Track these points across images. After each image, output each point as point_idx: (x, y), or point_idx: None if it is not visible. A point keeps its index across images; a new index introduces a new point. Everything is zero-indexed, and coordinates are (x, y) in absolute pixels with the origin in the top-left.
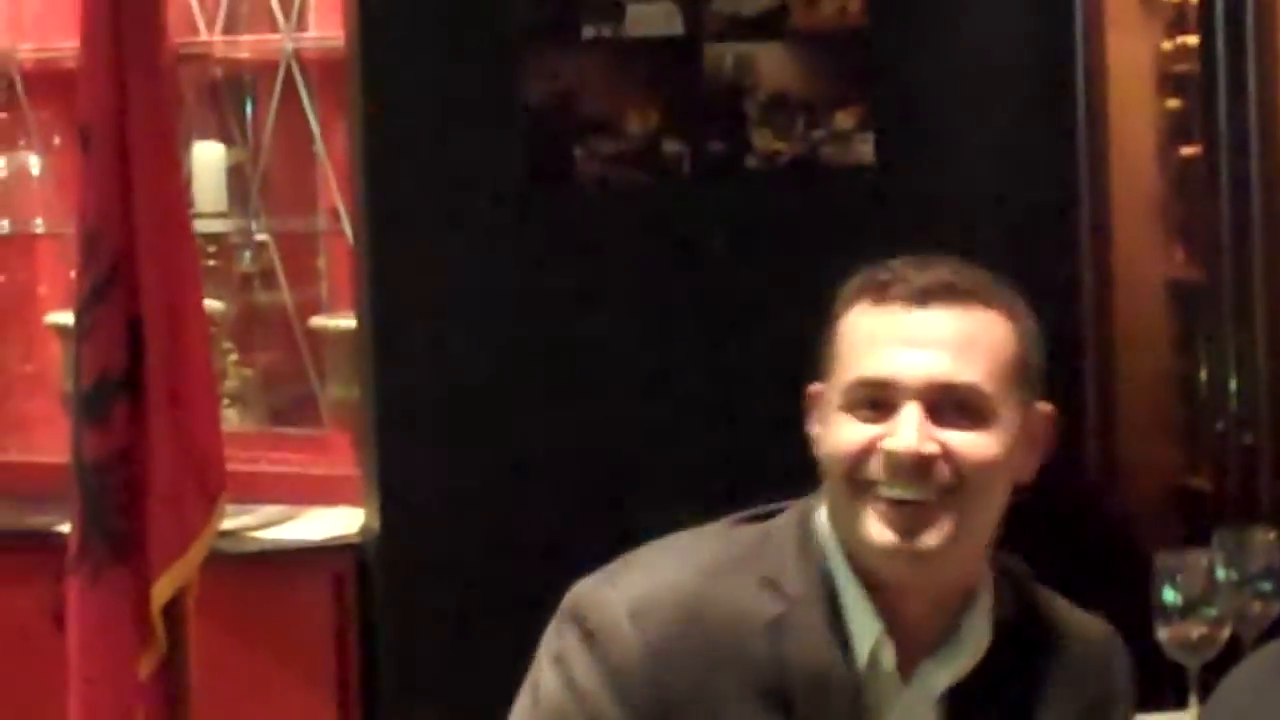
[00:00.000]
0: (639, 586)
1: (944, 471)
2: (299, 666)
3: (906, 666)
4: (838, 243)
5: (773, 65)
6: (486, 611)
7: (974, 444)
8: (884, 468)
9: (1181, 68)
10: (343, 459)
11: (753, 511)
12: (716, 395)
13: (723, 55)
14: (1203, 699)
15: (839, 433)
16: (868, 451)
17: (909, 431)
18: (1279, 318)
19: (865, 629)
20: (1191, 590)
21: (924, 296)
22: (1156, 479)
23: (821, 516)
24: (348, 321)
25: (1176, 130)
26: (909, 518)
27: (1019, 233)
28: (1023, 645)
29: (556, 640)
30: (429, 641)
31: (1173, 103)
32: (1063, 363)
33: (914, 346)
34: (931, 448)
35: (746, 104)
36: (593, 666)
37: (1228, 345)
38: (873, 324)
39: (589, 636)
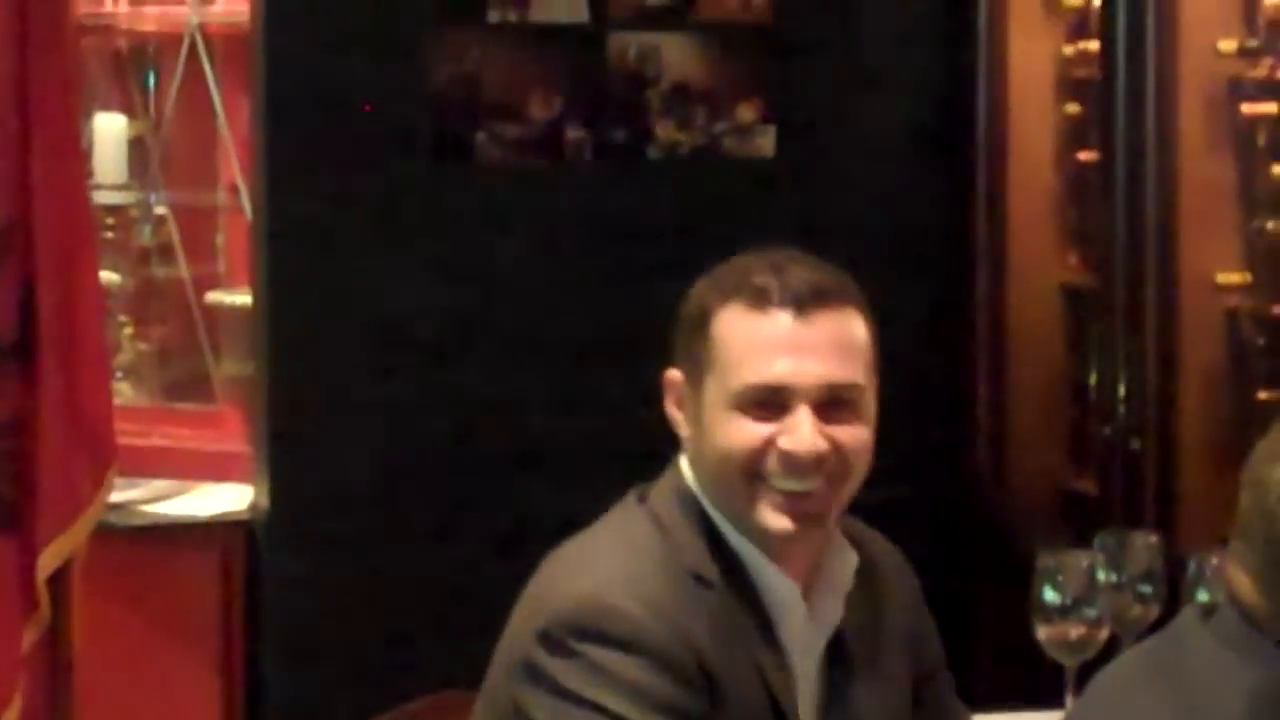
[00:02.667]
0: (619, 580)
1: (832, 463)
2: (184, 641)
3: (806, 597)
4: (735, 233)
5: (676, 56)
6: (372, 589)
7: (856, 436)
8: (781, 465)
9: (1082, 73)
10: (234, 435)
11: (636, 493)
12: (611, 377)
13: (627, 44)
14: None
15: (732, 432)
16: (763, 450)
17: (806, 434)
18: (1169, 325)
19: (785, 593)
20: (1071, 591)
21: (804, 303)
22: (1044, 481)
23: (703, 499)
24: (244, 298)
25: (1075, 135)
26: (801, 504)
27: (915, 231)
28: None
29: (581, 664)
30: (314, 618)
31: (1072, 108)
32: (954, 363)
33: (802, 353)
34: (824, 446)
35: (649, 94)
36: (637, 660)
37: (1118, 351)
38: (758, 330)
39: (614, 639)
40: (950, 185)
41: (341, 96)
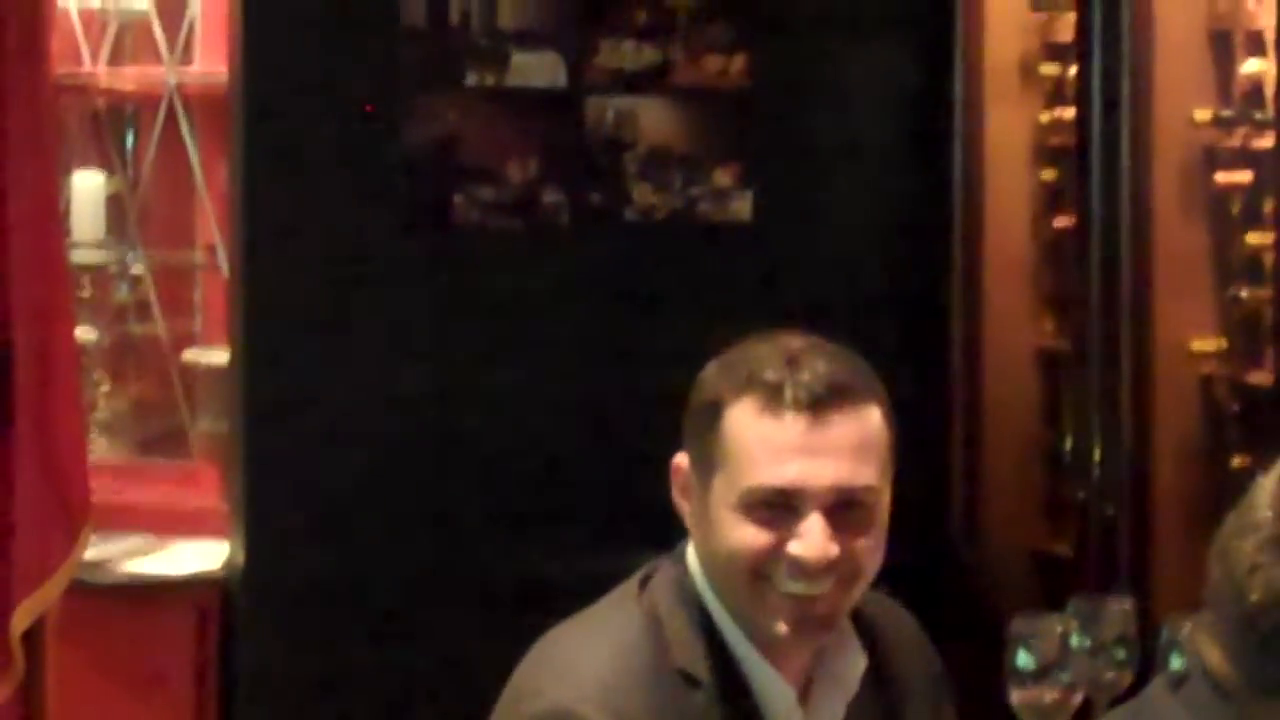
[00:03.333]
0: (596, 685)
1: (842, 567)
2: (159, 698)
3: (805, 703)
4: (713, 298)
5: (653, 120)
6: (349, 646)
7: (865, 543)
8: (788, 571)
9: (1057, 140)
10: (210, 492)
11: (641, 575)
12: (587, 440)
13: (604, 108)
14: None
15: (738, 535)
16: (770, 554)
17: (816, 540)
18: (1144, 391)
19: (779, 698)
20: (1045, 655)
21: (820, 403)
22: (1018, 545)
23: (705, 592)
24: (221, 356)
25: (1051, 201)
26: (808, 609)
27: (891, 297)
28: (871, 647)
29: None
30: (289, 676)
31: (1048, 174)
32: (929, 427)
33: (817, 457)
34: (835, 552)
35: (626, 158)
36: None
37: (1092, 415)
38: (770, 432)
39: None
40: (925, 251)
41: (318, 158)
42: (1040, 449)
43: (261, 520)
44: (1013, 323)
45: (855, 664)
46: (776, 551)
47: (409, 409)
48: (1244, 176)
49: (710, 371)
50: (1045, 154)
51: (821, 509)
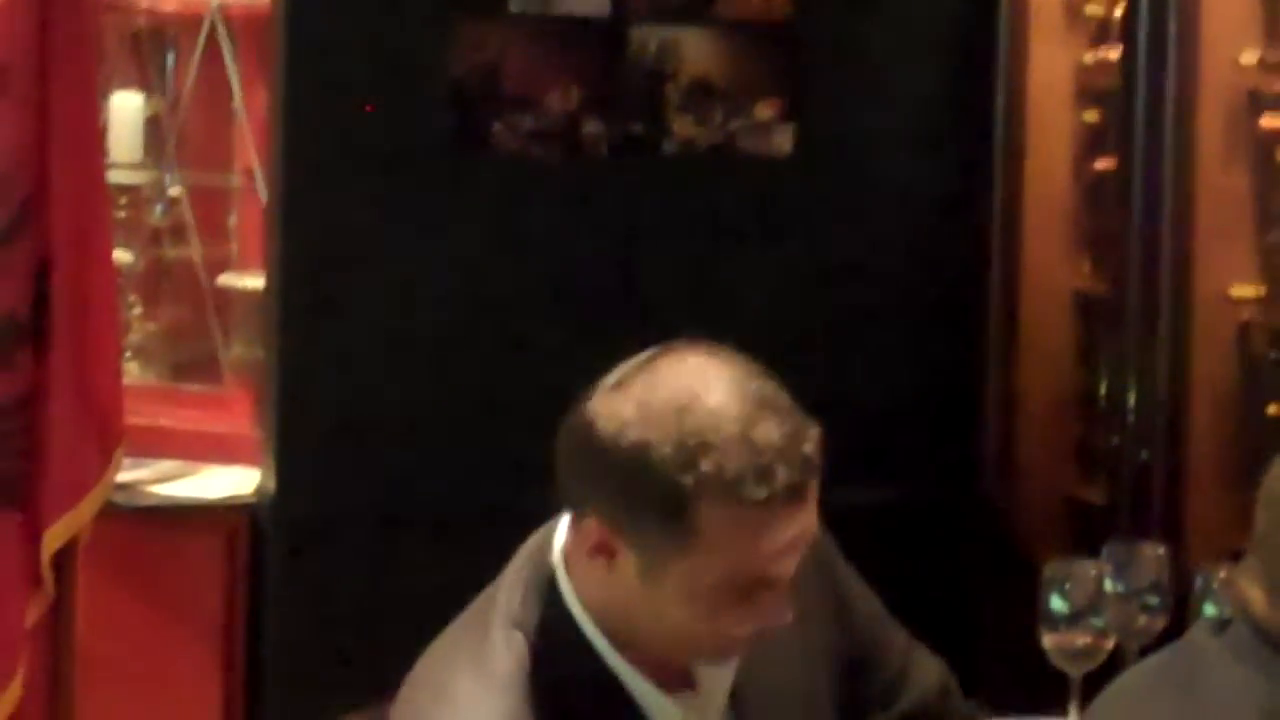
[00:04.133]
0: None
1: None
2: (187, 623)
3: (690, 683)
4: (751, 231)
5: (696, 51)
6: (376, 576)
7: None
8: (752, 634)
9: (1101, 81)
10: (242, 418)
11: (499, 612)
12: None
13: (647, 38)
14: (1083, 708)
15: (706, 618)
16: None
17: (786, 611)
18: (1182, 337)
19: (661, 709)
20: (1078, 600)
21: (800, 487)
22: (1052, 489)
23: (579, 611)
24: (256, 281)
25: (1093, 143)
26: (741, 645)
27: (928, 234)
28: None
29: None
30: (318, 602)
31: (1090, 115)
32: (964, 368)
33: (797, 544)
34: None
35: (668, 89)
36: None
37: (1129, 360)
38: (760, 528)
39: None
40: (966, 189)
41: (359, 83)
42: (1076, 392)
43: (293, 447)
44: (1051, 265)
45: None
46: (742, 619)
47: (445, 339)
48: None
49: (648, 437)
50: (1089, 95)
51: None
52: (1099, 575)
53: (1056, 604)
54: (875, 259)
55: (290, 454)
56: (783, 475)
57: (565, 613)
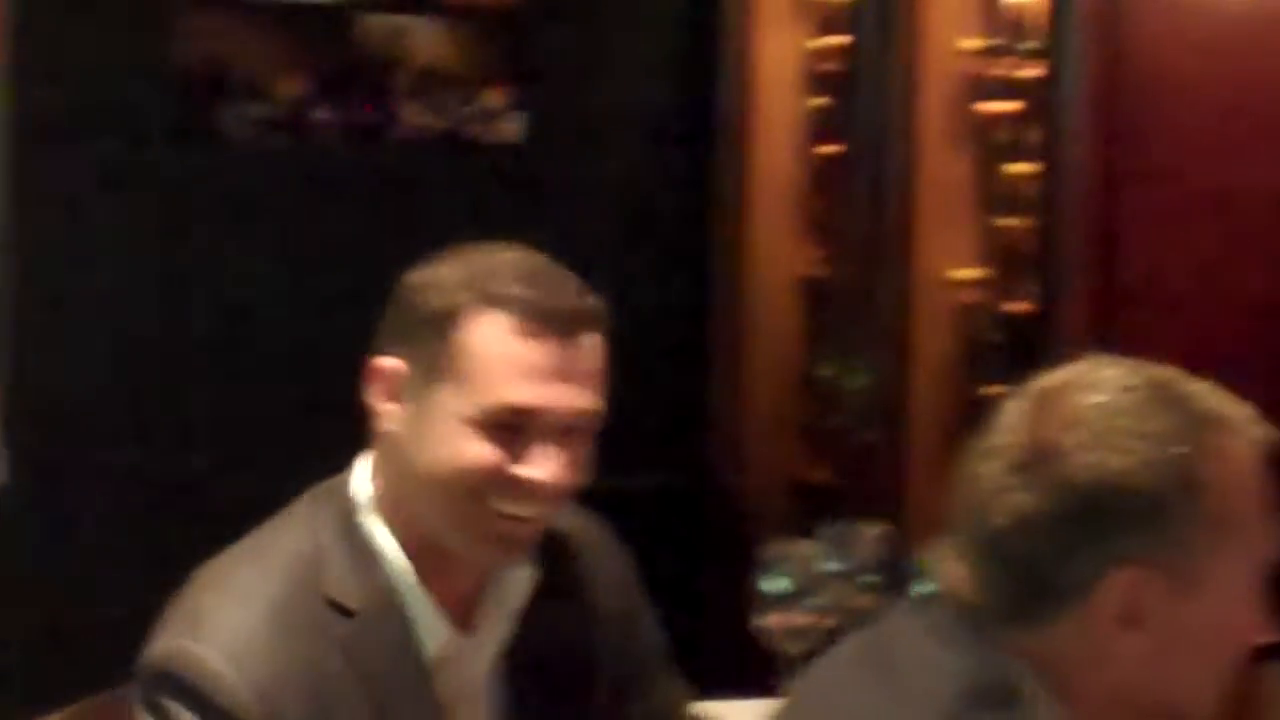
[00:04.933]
0: (222, 633)
1: (562, 490)
2: None
3: (468, 625)
4: (481, 218)
5: (425, 39)
6: (116, 564)
7: (584, 464)
8: (514, 492)
9: (827, 67)
10: None
11: (288, 512)
12: (352, 355)
13: (376, 26)
14: None
15: (469, 449)
16: (496, 472)
17: (553, 466)
18: (904, 319)
19: (435, 633)
20: (796, 580)
21: (571, 327)
22: (780, 471)
23: (369, 515)
24: None
25: (818, 128)
26: (521, 530)
27: (656, 220)
28: (548, 556)
29: (155, 713)
30: (57, 590)
31: (816, 101)
32: (691, 352)
33: (566, 381)
34: (568, 479)
35: (397, 76)
36: (206, 717)
37: (853, 344)
38: (523, 351)
39: (196, 696)
40: (693, 176)
41: (86, 71)
42: (802, 375)
43: (24, 441)
44: (777, 250)
45: (521, 582)
46: (502, 471)
47: (176, 329)
48: (1007, 106)
49: (438, 276)
50: (814, 80)
51: (557, 431)
52: (815, 556)
53: (774, 584)
54: (604, 246)
55: (26, 439)
56: (558, 310)
57: (356, 522)
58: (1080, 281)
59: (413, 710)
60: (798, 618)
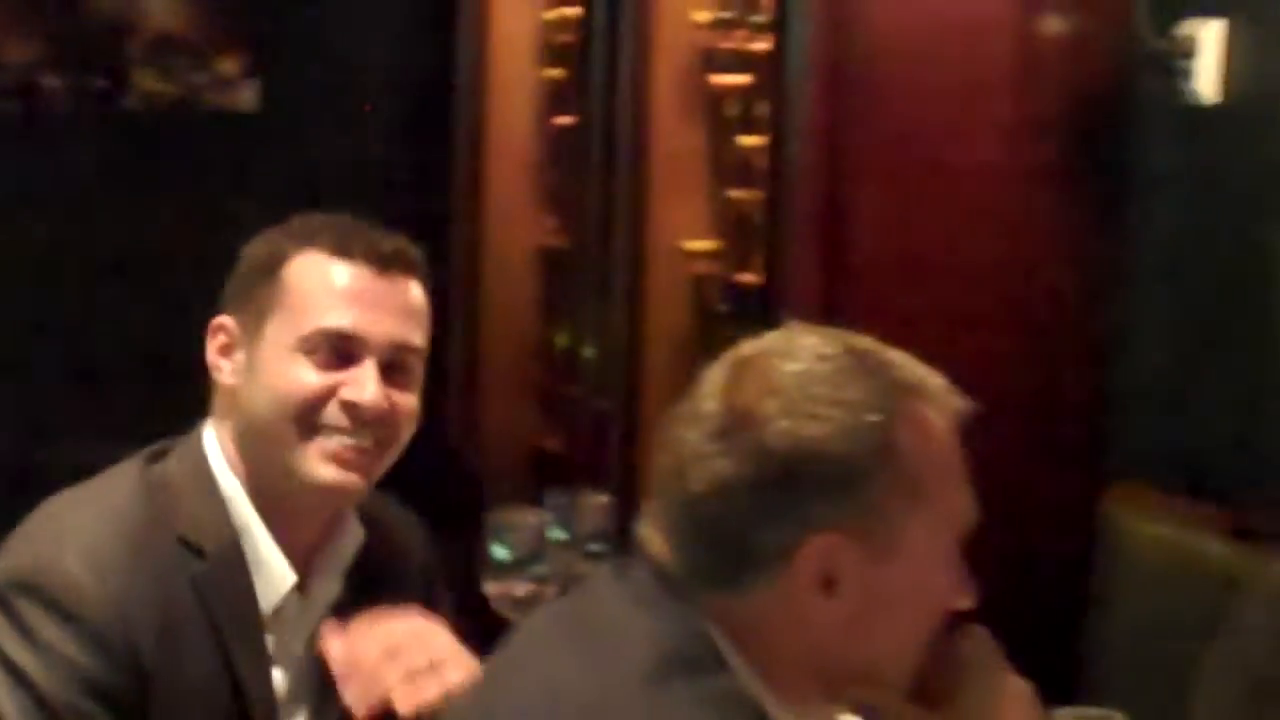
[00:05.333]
0: (83, 547)
1: (386, 423)
2: None
3: (309, 574)
4: (216, 186)
5: (158, 5)
6: None
7: (409, 403)
8: (340, 416)
9: (563, 38)
10: None
11: (150, 451)
12: (83, 323)
13: None
14: None
15: (293, 374)
16: (324, 398)
17: (373, 387)
18: (638, 289)
19: (277, 582)
20: (521, 548)
21: (386, 261)
22: (517, 440)
23: (219, 464)
24: None
25: (554, 100)
26: (352, 461)
27: (393, 188)
28: (373, 533)
29: (13, 621)
30: None
31: (552, 72)
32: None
33: (379, 308)
34: (385, 404)
35: (129, 43)
36: (66, 628)
37: (588, 314)
38: (338, 276)
39: (52, 603)
40: (429, 146)
41: None
42: (538, 346)
43: None
44: (514, 220)
45: (354, 537)
46: (329, 395)
47: None
48: (739, 79)
49: (267, 235)
50: (550, 51)
51: (377, 359)
52: (541, 523)
53: (499, 552)
54: (338, 212)
55: None
56: (372, 244)
57: (206, 468)
58: (806, 253)
59: (248, 661)
60: (520, 586)
